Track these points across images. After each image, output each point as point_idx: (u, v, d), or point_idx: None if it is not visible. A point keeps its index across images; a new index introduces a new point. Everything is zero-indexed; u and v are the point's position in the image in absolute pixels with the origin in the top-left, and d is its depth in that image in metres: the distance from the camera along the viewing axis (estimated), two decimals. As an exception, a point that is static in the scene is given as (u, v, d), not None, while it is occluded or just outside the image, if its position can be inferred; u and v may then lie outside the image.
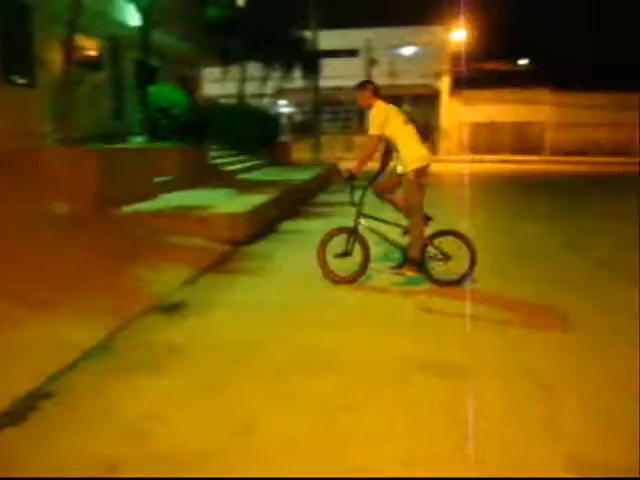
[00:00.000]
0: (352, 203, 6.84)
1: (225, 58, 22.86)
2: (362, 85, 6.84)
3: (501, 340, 5.16)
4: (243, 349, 5.00)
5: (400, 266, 6.87)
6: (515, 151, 39.96)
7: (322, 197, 16.19)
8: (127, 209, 9.64)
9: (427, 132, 39.34)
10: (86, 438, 3.64)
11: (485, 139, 39.66)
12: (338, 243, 7.01)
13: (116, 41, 17.20)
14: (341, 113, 47.10)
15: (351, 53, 44.70)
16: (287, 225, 11.16)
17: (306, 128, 35.73)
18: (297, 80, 26.55)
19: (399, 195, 6.92)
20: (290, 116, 43.47)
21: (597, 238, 9.97)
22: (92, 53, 16.24)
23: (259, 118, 21.59)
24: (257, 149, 20.63)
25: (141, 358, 4.83)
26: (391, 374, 4.47)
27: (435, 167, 7.48)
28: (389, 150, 6.94)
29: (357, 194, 6.77)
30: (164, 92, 14.75)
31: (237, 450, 3.51)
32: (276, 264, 8.11)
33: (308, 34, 27.24)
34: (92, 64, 16.06)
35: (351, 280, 6.90)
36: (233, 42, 22.23)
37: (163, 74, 20.05)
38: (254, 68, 23.89)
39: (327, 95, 36.81)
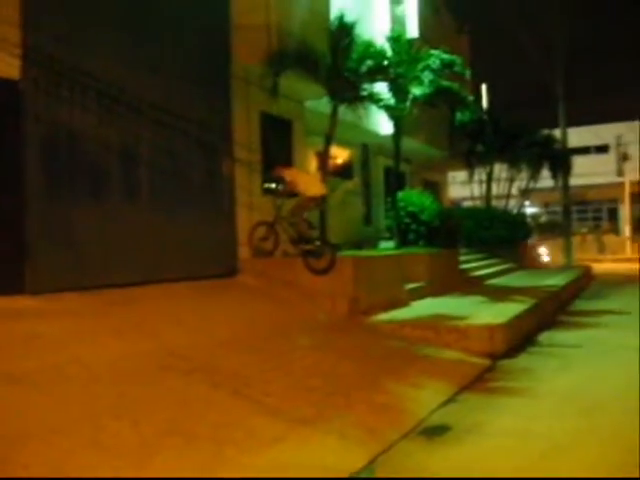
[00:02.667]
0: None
1: (470, 161, 22.73)
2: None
3: None
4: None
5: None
6: None
7: (579, 304, 15.02)
8: (380, 317, 9.51)
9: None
10: None
11: None
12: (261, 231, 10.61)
13: (366, 149, 17.84)
14: (590, 212, 44.84)
15: (601, 149, 42.76)
16: (546, 337, 10.30)
17: (553, 229, 34.27)
18: (544, 179, 25.60)
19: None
20: (535, 216, 42.09)
21: None
22: (344, 162, 16.95)
23: (506, 220, 21.00)
24: (505, 252, 19.95)
25: (406, 491, 4.42)
26: None
27: None
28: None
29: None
30: (413, 197, 14.85)
31: None
32: (543, 384, 7.32)
33: (556, 132, 26.41)
34: (343, 172, 16.73)
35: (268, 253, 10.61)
36: (479, 145, 22.12)
37: (409, 179, 20.44)
38: (499, 169, 23.46)
39: (575, 194, 35.24)
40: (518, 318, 9.59)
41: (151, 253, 9.19)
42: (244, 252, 10.87)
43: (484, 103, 27.72)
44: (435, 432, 5.59)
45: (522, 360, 8.60)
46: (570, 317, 12.71)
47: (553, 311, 12.56)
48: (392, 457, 5.00)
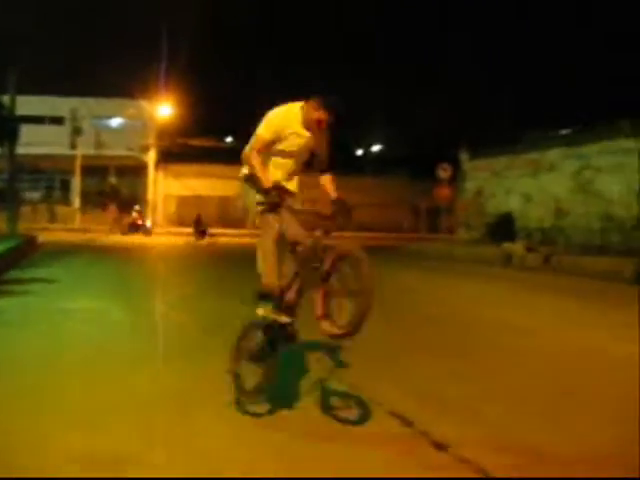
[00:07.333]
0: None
1: None
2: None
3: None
4: None
5: None
6: (220, 224, 41.07)
7: (16, 273, 15.34)
8: None
9: (132, 203, 39.25)
10: None
11: (191, 211, 40.48)
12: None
13: None
14: (44, 182, 45.29)
15: (56, 120, 43.43)
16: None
17: (2, 197, 33.65)
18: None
19: None
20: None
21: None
22: None
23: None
24: None
25: None
26: None
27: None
28: None
29: None
30: None
31: None
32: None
33: (5, 98, 25.97)
34: None
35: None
36: None
37: None
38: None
39: (29, 162, 35.24)
40: None
41: None
42: None
43: None
44: None
45: None
46: (2, 286, 12.97)
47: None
48: None
